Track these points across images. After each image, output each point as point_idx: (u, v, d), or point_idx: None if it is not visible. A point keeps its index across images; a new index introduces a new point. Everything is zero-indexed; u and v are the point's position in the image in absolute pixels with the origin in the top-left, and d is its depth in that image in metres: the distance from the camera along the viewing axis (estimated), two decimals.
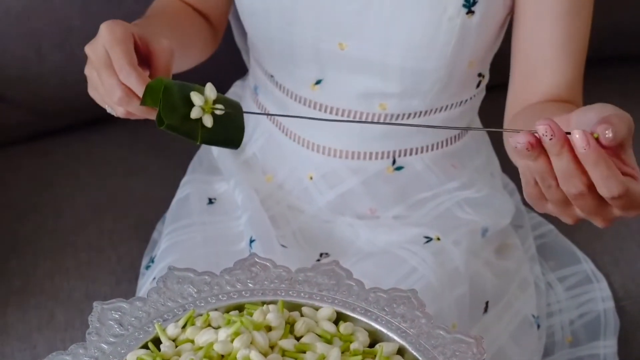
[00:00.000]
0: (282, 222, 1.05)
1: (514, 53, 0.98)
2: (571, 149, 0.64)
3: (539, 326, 1.07)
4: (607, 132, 0.63)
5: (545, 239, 1.20)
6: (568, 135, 0.63)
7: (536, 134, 0.63)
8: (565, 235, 1.20)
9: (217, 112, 0.77)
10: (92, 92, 0.85)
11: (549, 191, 0.68)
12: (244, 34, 1.16)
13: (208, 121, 0.77)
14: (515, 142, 0.64)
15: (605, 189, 0.65)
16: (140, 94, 0.79)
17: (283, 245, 1.00)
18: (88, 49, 0.83)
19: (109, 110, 0.85)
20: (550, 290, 1.15)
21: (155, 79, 0.78)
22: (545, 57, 0.95)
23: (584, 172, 0.65)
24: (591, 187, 0.65)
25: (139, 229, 1.19)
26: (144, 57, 0.84)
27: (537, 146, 0.64)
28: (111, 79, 0.80)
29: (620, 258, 1.21)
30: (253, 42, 1.07)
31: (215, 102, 0.77)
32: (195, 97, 0.77)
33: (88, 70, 0.85)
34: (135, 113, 0.82)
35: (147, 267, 1.07)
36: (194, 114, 0.76)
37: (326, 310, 0.68)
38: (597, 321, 1.15)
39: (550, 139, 0.63)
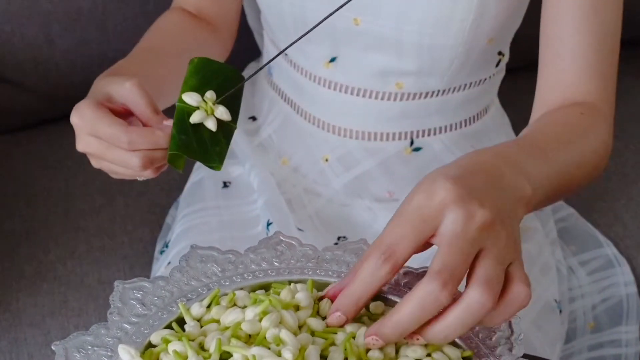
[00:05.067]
0: (298, 205, 1.03)
1: (542, 37, 0.95)
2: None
3: (561, 311, 1.05)
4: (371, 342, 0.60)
5: (566, 223, 1.18)
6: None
7: None
8: (586, 218, 1.19)
9: (219, 115, 0.76)
10: (117, 176, 0.81)
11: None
12: (257, 14, 1.14)
13: (211, 124, 0.75)
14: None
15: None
16: (153, 146, 0.76)
17: (300, 229, 0.99)
18: (79, 147, 0.79)
19: (141, 179, 0.81)
20: (572, 275, 1.13)
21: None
22: (571, 40, 0.91)
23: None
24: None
25: (151, 214, 1.18)
26: (123, 112, 0.79)
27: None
28: (121, 155, 0.76)
29: None
30: (266, 20, 1.05)
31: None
32: (188, 97, 0.75)
33: (96, 163, 0.81)
34: (164, 166, 0.79)
35: (162, 252, 1.06)
36: (196, 118, 0.75)
37: None
38: (619, 306, 1.13)
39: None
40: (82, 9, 1.25)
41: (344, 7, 0.94)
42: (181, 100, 0.75)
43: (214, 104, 0.76)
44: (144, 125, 0.78)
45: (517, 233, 0.63)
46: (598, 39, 0.89)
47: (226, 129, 0.77)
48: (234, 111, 0.78)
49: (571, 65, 0.89)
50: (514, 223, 0.63)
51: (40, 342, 1.05)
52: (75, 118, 0.78)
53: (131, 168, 0.77)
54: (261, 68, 0.84)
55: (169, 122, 0.76)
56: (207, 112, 0.75)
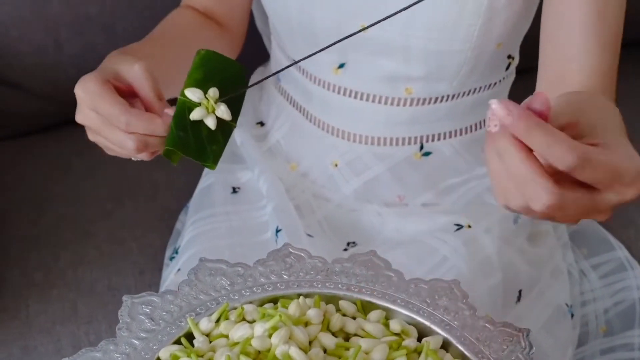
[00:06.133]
0: (307, 211, 1.03)
1: (542, 37, 0.94)
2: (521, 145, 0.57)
3: (572, 315, 1.05)
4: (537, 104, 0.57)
5: (578, 226, 1.17)
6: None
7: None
8: (598, 222, 1.18)
9: (220, 114, 0.75)
10: (111, 152, 0.83)
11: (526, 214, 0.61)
12: (265, 17, 1.14)
13: (211, 122, 0.75)
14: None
15: (555, 159, 0.57)
16: (149, 132, 0.77)
17: (309, 235, 0.98)
18: (78, 118, 0.80)
19: (135, 159, 0.82)
20: (583, 279, 1.13)
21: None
22: (573, 40, 0.91)
23: (538, 172, 0.58)
24: (555, 181, 0.58)
25: (161, 220, 1.17)
26: (128, 92, 0.81)
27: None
28: (117, 135, 0.78)
29: None
30: (274, 26, 1.05)
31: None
32: (190, 93, 0.75)
33: (92, 137, 0.82)
34: (159, 151, 0.80)
35: (171, 258, 1.06)
36: (196, 115, 0.74)
37: (375, 315, 0.66)
38: (631, 310, 1.13)
39: (495, 127, 0.57)
40: (90, 14, 1.25)
41: (350, 14, 0.94)
42: (183, 95, 0.75)
43: (216, 102, 0.75)
44: (147, 109, 0.79)
45: None
46: (604, 44, 0.88)
47: (225, 128, 0.76)
48: (235, 110, 0.77)
49: (577, 67, 0.88)
50: None
51: (50, 350, 1.05)
52: (79, 90, 0.79)
53: (125, 149, 0.78)
54: (269, 76, 0.84)
55: (170, 111, 0.77)
56: (208, 110, 0.75)
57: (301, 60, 0.81)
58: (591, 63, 0.88)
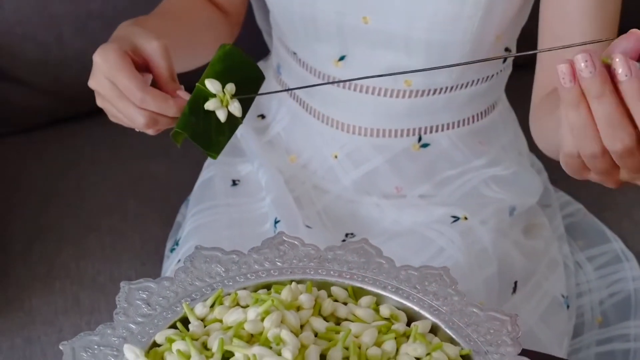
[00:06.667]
0: (307, 202, 1.04)
1: (541, 27, 0.96)
2: (615, 90, 0.58)
3: (568, 306, 1.06)
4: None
5: (573, 218, 1.18)
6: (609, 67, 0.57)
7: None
8: (594, 214, 1.19)
9: (232, 110, 0.78)
10: (115, 120, 0.84)
11: (592, 162, 0.63)
12: (265, 14, 1.15)
13: (222, 115, 0.78)
14: (559, 69, 0.59)
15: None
16: (162, 112, 0.79)
17: (308, 226, 1.00)
18: (92, 84, 0.82)
19: (137, 130, 0.84)
20: (579, 270, 1.13)
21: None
22: (573, 30, 0.92)
23: (631, 120, 0.58)
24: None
25: (162, 213, 1.18)
26: (142, 65, 0.82)
27: (577, 87, 0.58)
28: (129, 109, 0.80)
29: None
30: (275, 19, 1.06)
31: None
32: (210, 84, 0.77)
33: (101, 103, 0.83)
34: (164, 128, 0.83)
35: (172, 250, 1.07)
36: (211, 105, 0.77)
37: (366, 300, 0.67)
38: (627, 301, 1.13)
39: (590, 73, 0.57)
40: (93, 11, 1.26)
41: (353, 7, 0.95)
42: (202, 83, 0.78)
43: (231, 97, 0.78)
44: (159, 86, 0.81)
45: None
46: (600, 26, 0.90)
47: (232, 122, 0.79)
48: (245, 108, 0.80)
49: (571, 51, 0.89)
50: None
51: (53, 340, 1.06)
52: (98, 57, 0.80)
53: (134, 123, 0.81)
54: (277, 92, 0.86)
55: (183, 94, 0.80)
56: (222, 103, 0.78)
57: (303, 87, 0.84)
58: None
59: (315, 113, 1.05)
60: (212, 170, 1.11)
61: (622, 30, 0.91)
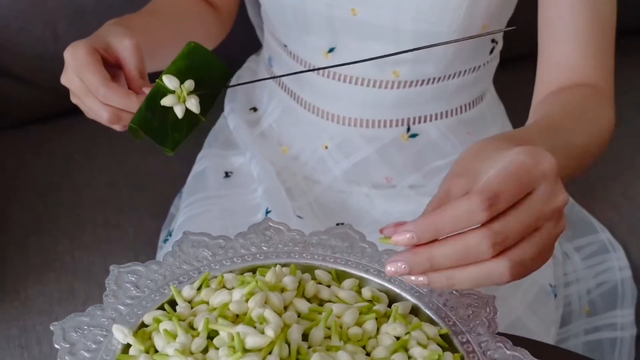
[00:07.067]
0: (298, 193, 1.05)
1: (540, 20, 0.96)
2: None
3: (555, 295, 1.07)
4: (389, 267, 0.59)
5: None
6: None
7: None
8: (582, 205, 1.20)
9: (189, 106, 0.79)
10: (90, 117, 0.87)
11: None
12: (257, 8, 1.17)
13: (179, 111, 0.79)
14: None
15: (468, 219, 0.58)
16: (124, 107, 0.81)
17: (299, 217, 1.01)
18: (63, 80, 0.85)
19: (114, 128, 0.86)
20: (567, 260, 1.15)
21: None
22: (567, 21, 0.93)
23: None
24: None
25: (156, 205, 1.20)
26: (114, 63, 0.85)
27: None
28: (94, 104, 0.82)
29: (637, 227, 1.20)
30: (266, 12, 1.07)
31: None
32: (167, 80, 0.79)
33: (74, 100, 0.86)
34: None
35: (165, 241, 1.09)
36: (167, 101, 0.78)
37: (349, 282, 0.69)
38: (614, 291, 1.15)
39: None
40: (87, 6, 1.27)
41: None
42: (161, 79, 0.79)
43: (188, 94, 0.79)
44: (129, 83, 0.84)
45: None
46: (594, 20, 0.91)
47: (193, 119, 0.80)
48: (207, 106, 0.81)
49: (570, 46, 0.91)
50: None
51: (48, 329, 1.06)
52: (68, 54, 0.84)
53: (99, 118, 0.83)
54: (263, 80, 0.86)
55: (147, 90, 0.81)
56: (179, 100, 0.79)
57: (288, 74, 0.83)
58: (587, 43, 0.91)
59: (305, 104, 1.07)
60: (205, 162, 1.12)
61: (620, 25, 0.93)
